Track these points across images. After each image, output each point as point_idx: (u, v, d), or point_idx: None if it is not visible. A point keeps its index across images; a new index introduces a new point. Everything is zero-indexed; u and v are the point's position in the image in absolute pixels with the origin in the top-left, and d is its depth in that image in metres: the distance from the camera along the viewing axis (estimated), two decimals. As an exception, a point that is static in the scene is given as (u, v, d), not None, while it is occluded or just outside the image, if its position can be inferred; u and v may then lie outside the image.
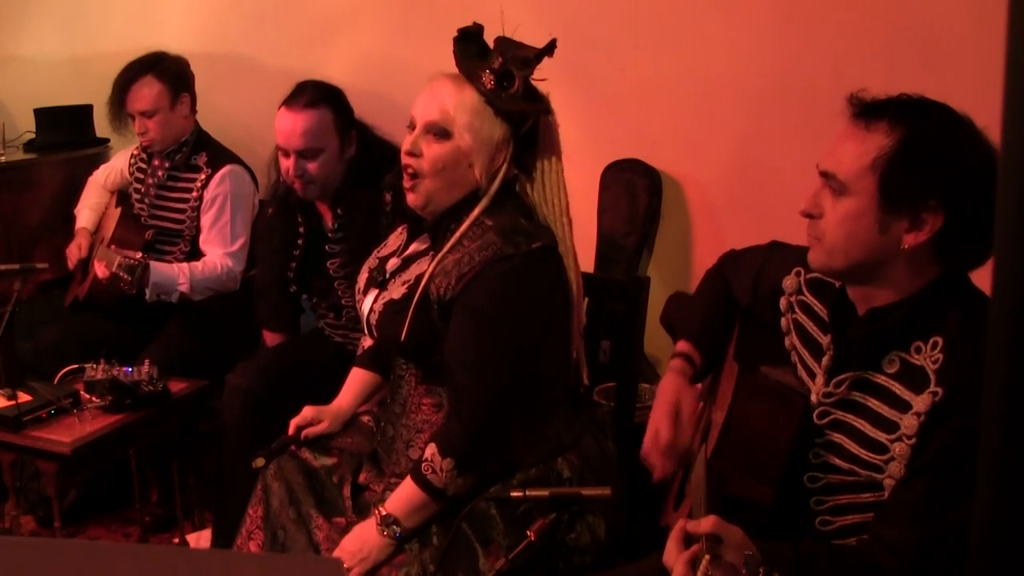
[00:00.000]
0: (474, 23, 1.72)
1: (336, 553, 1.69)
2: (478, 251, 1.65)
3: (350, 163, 2.45)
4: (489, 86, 1.67)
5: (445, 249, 1.69)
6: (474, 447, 1.65)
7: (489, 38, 1.73)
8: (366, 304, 1.83)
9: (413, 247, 1.84)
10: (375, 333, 1.81)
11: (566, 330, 1.77)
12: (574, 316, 1.78)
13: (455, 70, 1.72)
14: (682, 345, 1.73)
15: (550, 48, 1.67)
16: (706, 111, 2.75)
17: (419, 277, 1.72)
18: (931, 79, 2.29)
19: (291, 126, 2.37)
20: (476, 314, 1.64)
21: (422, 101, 1.72)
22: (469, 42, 1.71)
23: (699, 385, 1.72)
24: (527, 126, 1.69)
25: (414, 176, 1.72)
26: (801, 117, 2.55)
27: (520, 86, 1.67)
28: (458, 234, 1.69)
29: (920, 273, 1.34)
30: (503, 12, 1.66)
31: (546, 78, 1.72)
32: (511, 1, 2.97)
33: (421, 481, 1.65)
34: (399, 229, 1.93)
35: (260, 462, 1.86)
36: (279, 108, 2.41)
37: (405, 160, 1.72)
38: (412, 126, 1.73)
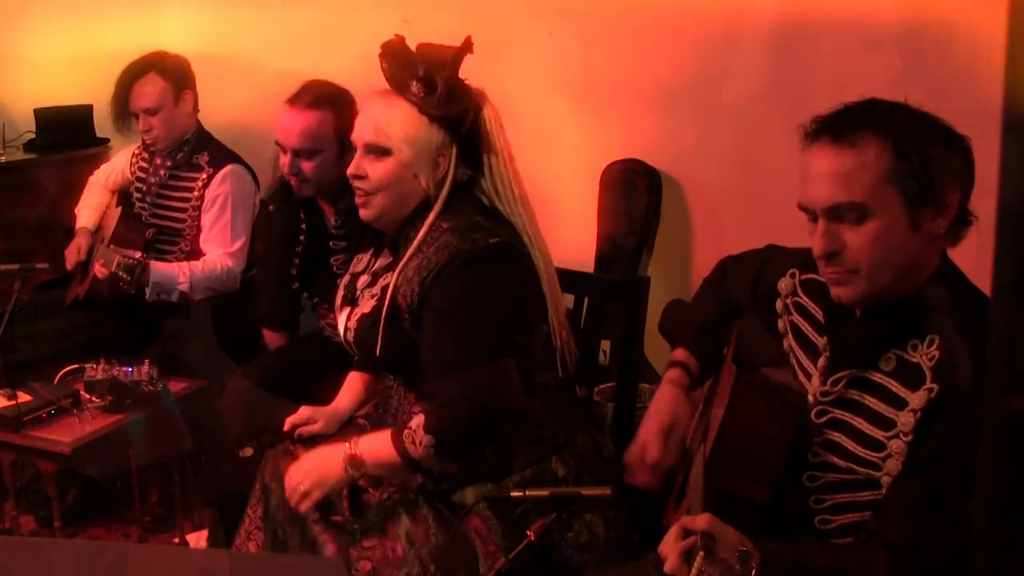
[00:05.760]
0: (395, 35, 1.71)
1: (293, 468, 1.69)
2: (435, 253, 1.66)
3: None
4: (419, 94, 1.67)
5: (405, 257, 1.71)
6: (454, 436, 1.63)
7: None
8: (341, 322, 1.84)
9: (380, 262, 1.86)
10: (353, 350, 1.82)
11: (544, 323, 1.76)
12: (550, 307, 1.76)
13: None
14: (679, 353, 1.71)
15: (466, 47, 1.67)
16: (706, 111, 2.74)
17: (385, 288, 1.73)
18: (931, 79, 2.30)
19: (290, 124, 2.36)
20: (442, 314, 1.64)
21: (358, 123, 1.74)
22: (394, 55, 1.71)
23: (697, 393, 1.71)
24: (466, 125, 1.69)
25: (365, 195, 1.74)
26: (801, 117, 2.54)
27: (443, 89, 1.66)
28: (416, 241, 1.70)
29: (928, 260, 1.35)
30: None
31: (466, 77, 1.71)
32: (510, 2, 2.99)
33: (399, 446, 1.64)
34: (371, 248, 1.94)
35: (248, 451, 1.87)
36: (283, 104, 2.41)
37: (353, 183, 1.75)
38: (354, 149, 1.74)
